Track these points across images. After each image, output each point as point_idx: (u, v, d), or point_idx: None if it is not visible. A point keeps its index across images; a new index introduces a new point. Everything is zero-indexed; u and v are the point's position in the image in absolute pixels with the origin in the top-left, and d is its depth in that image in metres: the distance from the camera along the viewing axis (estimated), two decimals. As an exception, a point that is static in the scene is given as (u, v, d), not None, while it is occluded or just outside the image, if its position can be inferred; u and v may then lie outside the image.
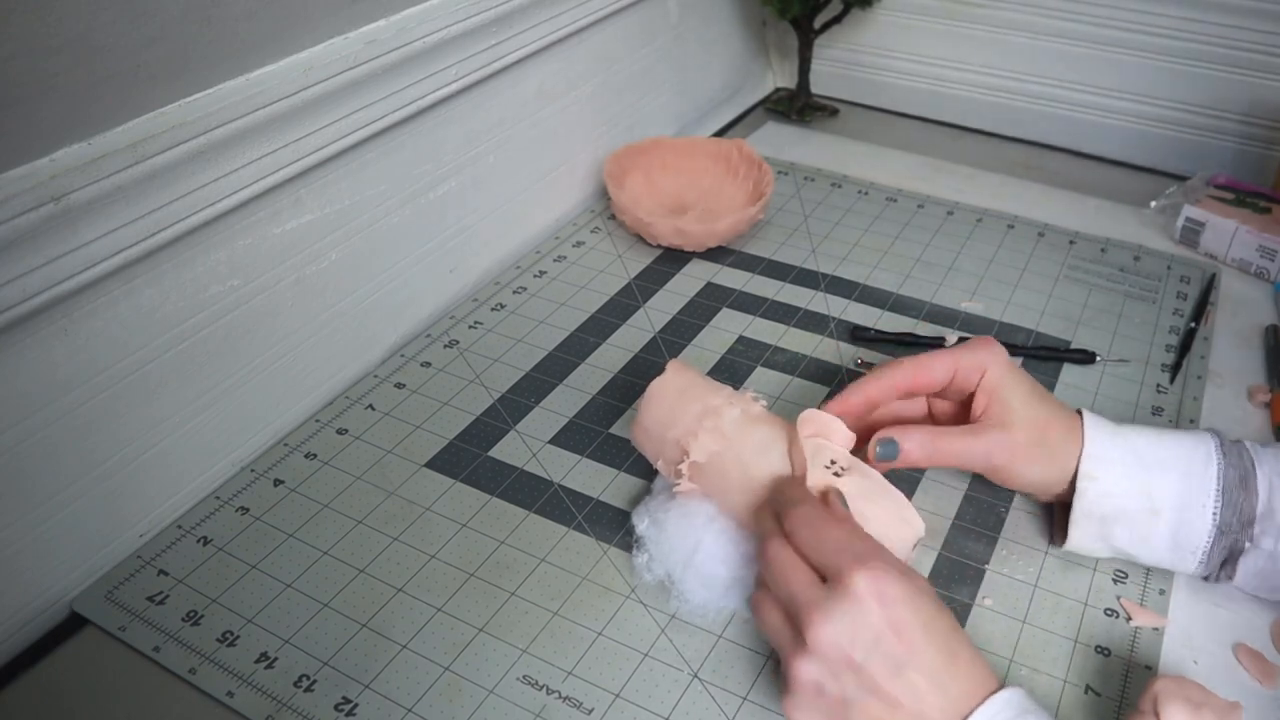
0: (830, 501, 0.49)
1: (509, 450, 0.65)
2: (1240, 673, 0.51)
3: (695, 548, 0.53)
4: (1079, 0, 0.96)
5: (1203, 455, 0.53)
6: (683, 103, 1.06)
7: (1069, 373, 0.71)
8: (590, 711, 0.49)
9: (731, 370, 0.72)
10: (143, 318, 0.57)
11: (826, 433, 0.54)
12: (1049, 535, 0.58)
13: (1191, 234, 0.85)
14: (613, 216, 0.90)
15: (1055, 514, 0.58)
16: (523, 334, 0.75)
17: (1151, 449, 0.54)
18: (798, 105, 1.09)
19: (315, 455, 0.65)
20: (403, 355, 0.73)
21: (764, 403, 0.56)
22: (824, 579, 0.44)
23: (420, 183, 0.74)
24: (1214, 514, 0.52)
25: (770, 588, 0.46)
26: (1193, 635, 0.53)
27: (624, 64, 0.94)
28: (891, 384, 0.55)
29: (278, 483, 0.63)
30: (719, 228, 0.82)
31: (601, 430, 0.66)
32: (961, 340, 0.72)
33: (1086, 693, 0.50)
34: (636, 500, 0.60)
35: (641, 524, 0.56)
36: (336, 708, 0.50)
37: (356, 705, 0.50)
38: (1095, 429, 0.54)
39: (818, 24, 1.04)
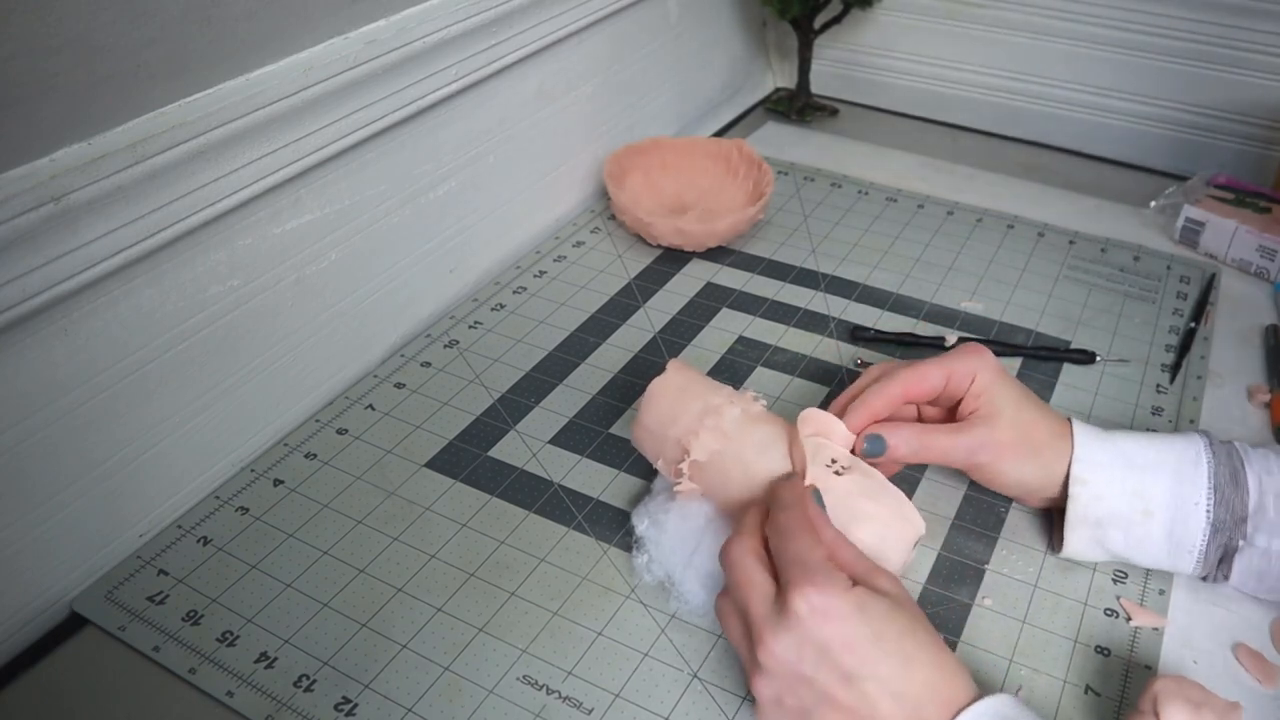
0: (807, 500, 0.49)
1: (509, 450, 0.65)
2: (1240, 673, 0.51)
3: (695, 548, 0.53)
4: (1079, 0, 0.96)
5: (1193, 455, 0.53)
6: (683, 103, 1.06)
7: (1069, 373, 0.71)
8: (590, 711, 0.49)
9: (731, 370, 0.72)
10: (142, 318, 0.57)
11: (827, 432, 0.54)
12: (1048, 541, 0.58)
13: (1191, 234, 0.85)
14: (613, 216, 0.90)
15: (1054, 521, 0.59)
16: (523, 334, 0.75)
17: (1141, 451, 0.54)
18: (798, 105, 1.09)
19: (315, 455, 0.65)
20: (403, 355, 0.73)
21: (764, 402, 0.56)
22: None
23: (420, 183, 0.74)
24: (1207, 511, 0.52)
25: (730, 594, 0.47)
26: (1192, 635, 0.53)
27: (624, 64, 0.94)
28: (890, 397, 0.55)
29: (278, 483, 0.63)
30: (719, 228, 0.82)
31: (601, 430, 0.66)
32: (962, 340, 0.72)
33: (1086, 693, 0.50)
34: (636, 500, 0.60)
35: (641, 524, 0.56)
36: (336, 708, 0.50)
37: (356, 705, 0.50)
38: (1084, 434, 0.55)
39: (818, 24, 1.04)
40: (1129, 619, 0.54)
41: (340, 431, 0.67)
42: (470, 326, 0.76)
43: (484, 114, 0.78)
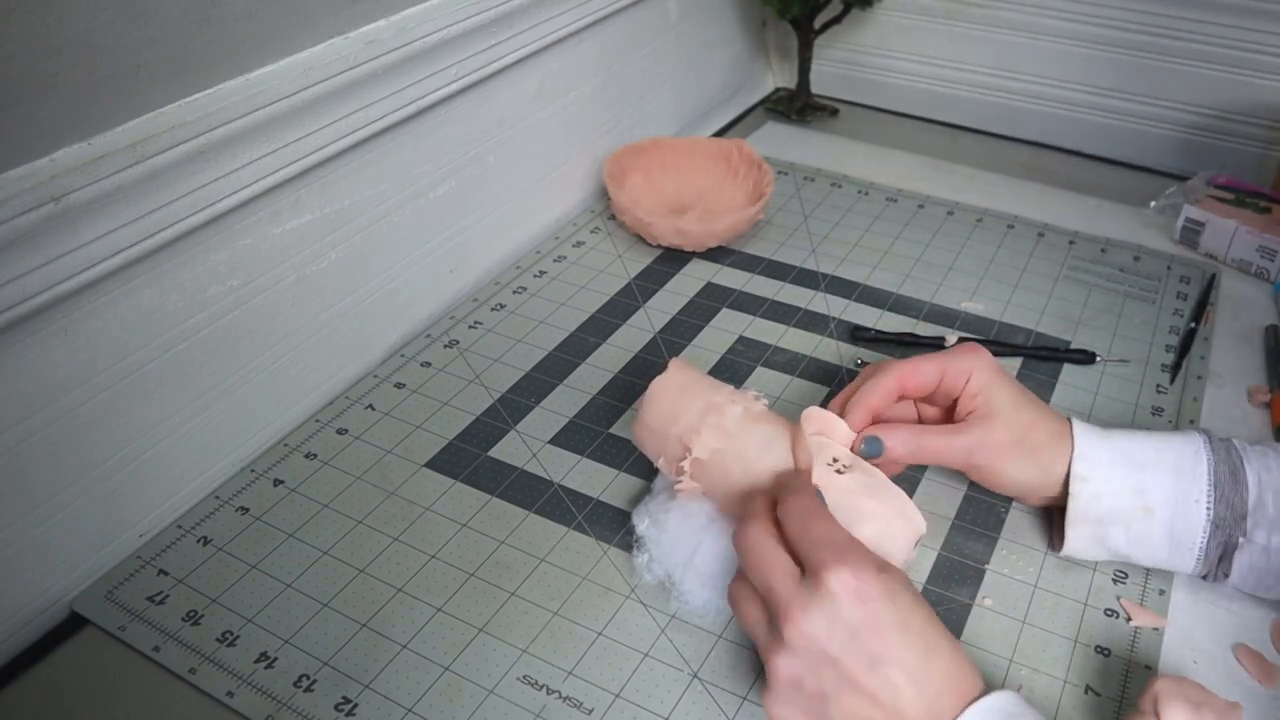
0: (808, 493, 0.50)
1: (509, 450, 0.65)
2: (1240, 673, 0.51)
3: (696, 548, 0.53)
4: (1079, 0, 0.96)
5: (1192, 452, 0.53)
6: (683, 103, 1.06)
7: (1069, 373, 0.71)
8: (590, 711, 0.49)
9: (731, 370, 0.72)
10: (142, 318, 0.57)
11: (829, 430, 0.54)
12: (1049, 540, 0.58)
13: (1191, 234, 0.85)
14: (613, 216, 0.90)
15: (1054, 520, 0.58)
16: (523, 334, 0.75)
17: (1140, 449, 0.54)
18: (798, 105, 1.09)
19: (315, 455, 0.65)
20: (403, 355, 0.73)
21: (766, 401, 0.56)
22: (803, 571, 0.44)
23: (420, 183, 0.74)
24: (1208, 508, 0.52)
25: (748, 576, 0.46)
26: (1193, 635, 0.53)
27: (624, 64, 0.94)
28: (886, 390, 0.55)
29: (278, 483, 0.63)
30: (719, 228, 0.82)
31: (601, 430, 0.66)
32: (962, 340, 0.72)
33: (1086, 693, 0.50)
34: (637, 500, 0.60)
35: (642, 524, 0.56)
36: (336, 708, 0.50)
37: (356, 705, 0.50)
38: (1084, 432, 0.55)
39: (818, 24, 1.04)
40: (1129, 619, 0.54)
41: (340, 431, 0.67)
42: (470, 326, 0.76)
43: (484, 114, 0.78)
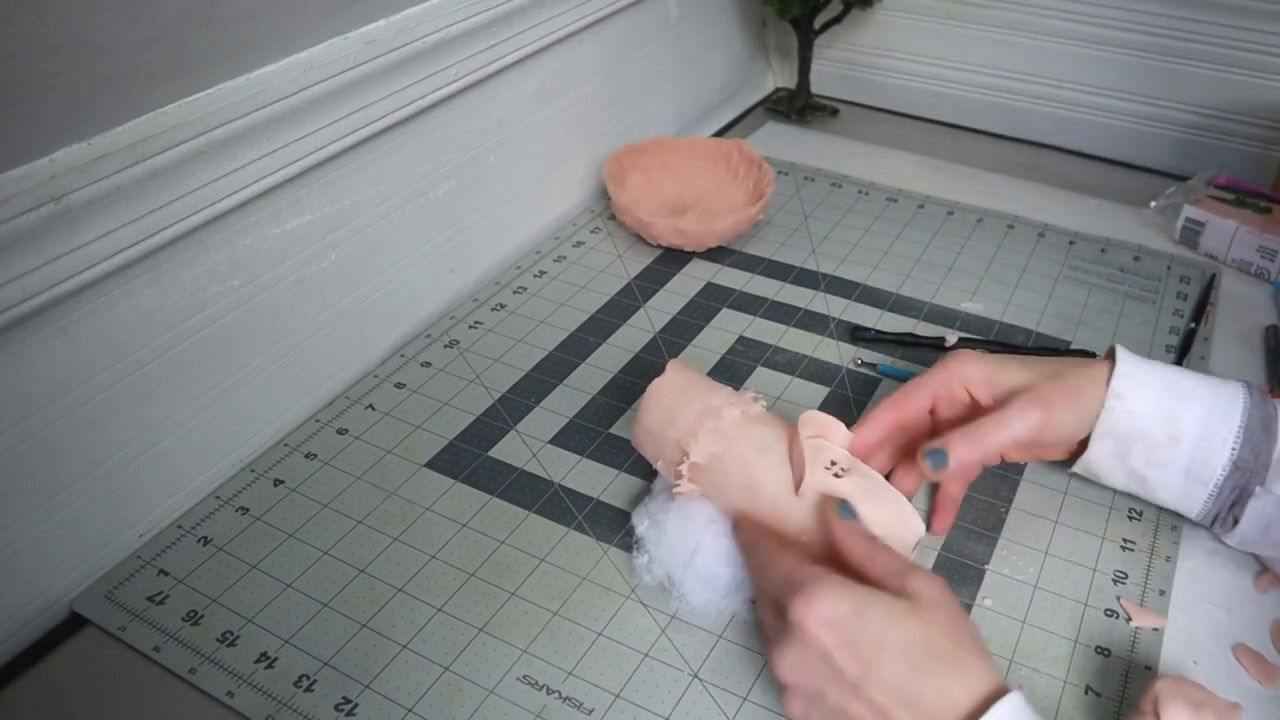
0: (830, 511, 0.50)
1: (509, 450, 0.65)
2: (1240, 673, 0.51)
3: (695, 549, 0.53)
4: (1079, 0, 0.96)
5: (1230, 393, 0.54)
6: (683, 103, 1.06)
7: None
8: (590, 711, 0.49)
9: (731, 370, 0.72)
10: (142, 318, 0.57)
11: (827, 433, 0.54)
12: (1067, 462, 0.58)
13: (1191, 234, 0.85)
14: (613, 216, 0.90)
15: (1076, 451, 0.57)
16: (523, 334, 0.75)
17: (1182, 381, 0.55)
18: (798, 105, 1.09)
19: (315, 455, 0.65)
20: (403, 355, 0.73)
21: (764, 403, 0.56)
22: None
23: (420, 183, 0.74)
24: (1233, 449, 0.52)
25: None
26: (1193, 636, 0.53)
27: (624, 64, 0.94)
28: (882, 421, 0.56)
29: (278, 483, 0.63)
30: (719, 228, 0.82)
31: (601, 430, 0.66)
32: (962, 340, 0.73)
33: (1086, 693, 0.50)
34: (637, 500, 0.60)
35: (641, 525, 0.56)
36: (336, 708, 0.50)
37: (356, 705, 0.50)
38: (1127, 354, 0.55)
39: (818, 24, 1.04)
40: (1129, 619, 0.54)
41: (340, 431, 0.67)
42: (470, 326, 0.76)
43: (484, 114, 0.78)
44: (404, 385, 0.71)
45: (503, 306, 0.79)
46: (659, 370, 0.58)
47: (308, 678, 0.51)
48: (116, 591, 0.56)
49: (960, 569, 0.57)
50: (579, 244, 0.87)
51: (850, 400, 0.69)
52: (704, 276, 0.82)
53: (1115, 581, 0.56)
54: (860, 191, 0.94)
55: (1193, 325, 0.75)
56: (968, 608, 0.54)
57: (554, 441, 0.66)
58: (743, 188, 0.90)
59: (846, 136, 1.07)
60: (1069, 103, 1.02)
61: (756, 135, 1.07)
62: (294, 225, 0.65)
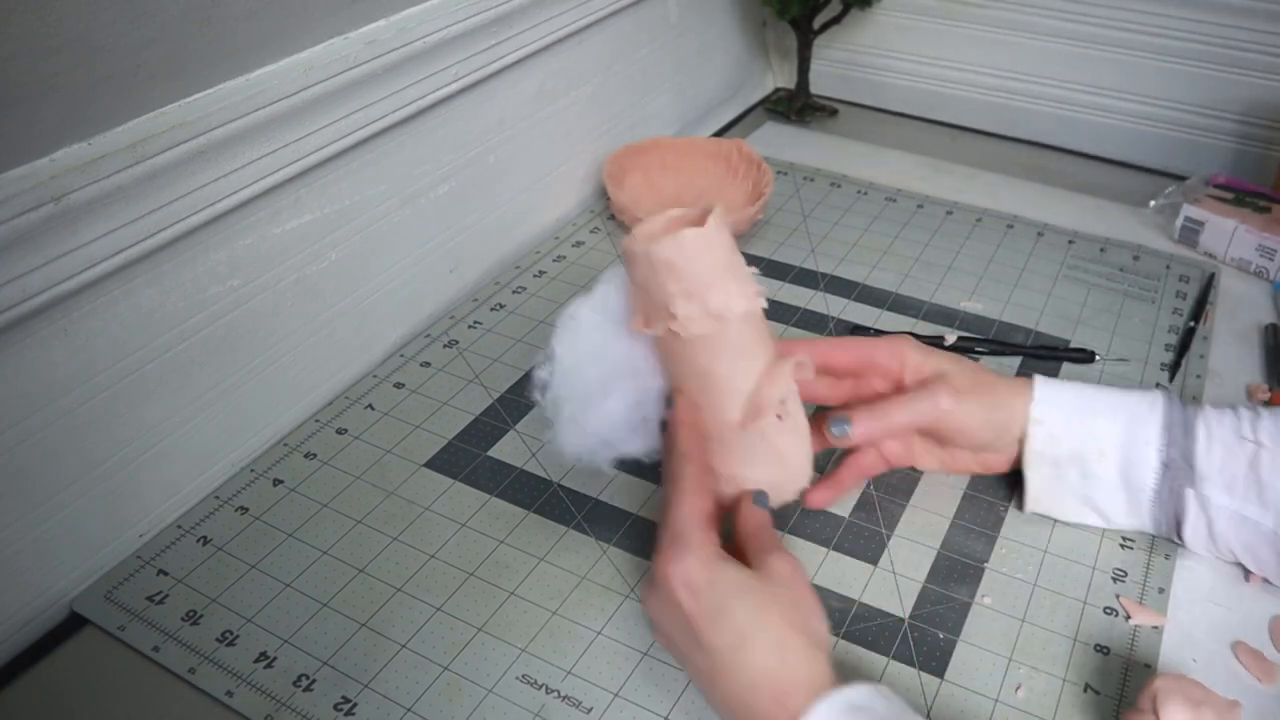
0: (745, 498, 0.51)
1: (508, 450, 0.65)
2: (1239, 671, 0.51)
3: (606, 396, 0.51)
4: (1079, 0, 0.96)
5: (1148, 401, 0.55)
6: (683, 103, 1.06)
7: (1068, 372, 0.71)
8: (590, 711, 0.49)
9: (731, 370, 0.72)
10: (142, 318, 0.57)
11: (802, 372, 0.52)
12: (1016, 501, 0.60)
13: (1191, 233, 0.85)
14: (612, 216, 0.90)
15: (1021, 484, 0.59)
16: (523, 334, 0.75)
17: (1099, 395, 0.56)
18: (797, 105, 1.09)
19: (315, 455, 0.65)
20: (402, 355, 0.74)
21: (765, 301, 0.51)
22: None
23: (420, 183, 0.74)
24: (1159, 450, 0.54)
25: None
26: (1192, 634, 0.53)
27: (624, 64, 0.94)
28: (814, 352, 0.57)
29: (277, 482, 0.63)
30: (719, 228, 0.82)
31: (601, 430, 0.66)
32: (962, 340, 0.73)
33: (1086, 691, 0.50)
34: (636, 500, 0.60)
35: (563, 343, 0.52)
36: (336, 707, 0.50)
37: (356, 705, 0.50)
38: (1044, 382, 0.57)
39: (817, 24, 1.04)
40: (1128, 617, 0.54)
41: (340, 431, 0.67)
42: (470, 326, 0.76)
43: (484, 114, 0.78)
44: (403, 385, 0.71)
45: (502, 306, 0.79)
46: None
47: (307, 677, 0.51)
48: (116, 591, 0.56)
49: (960, 568, 0.57)
50: (579, 244, 0.87)
51: (850, 400, 0.69)
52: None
53: (1114, 579, 0.56)
54: (859, 191, 0.94)
55: (1192, 324, 0.75)
56: (967, 606, 0.54)
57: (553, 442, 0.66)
58: (742, 188, 0.90)
59: (846, 136, 1.07)
60: (1069, 103, 1.02)
61: (756, 135, 1.07)
62: (294, 225, 0.65)
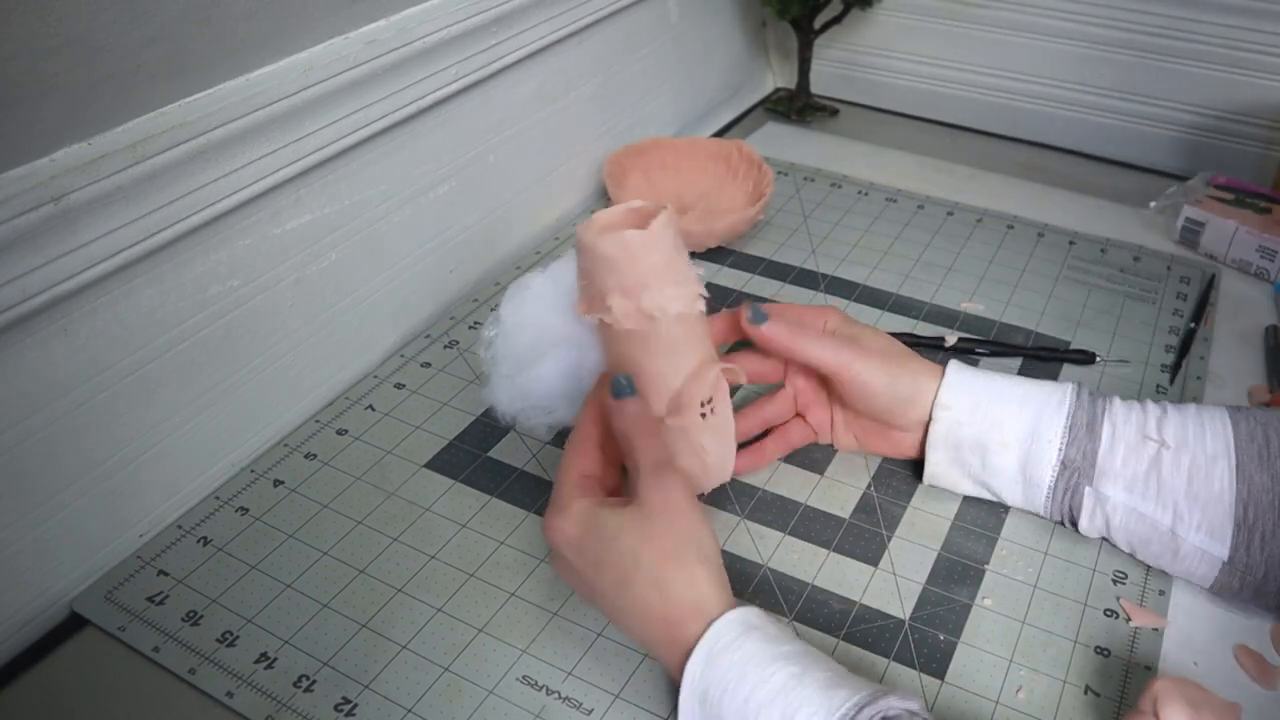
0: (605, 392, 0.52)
1: (509, 451, 0.65)
2: (1240, 674, 0.51)
3: (540, 358, 0.54)
4: (1079, 0, 0.96)
5: (1057, 398, 0.56)
6: (683, 103, 1.06)
7: (1069, 373, 0.71)
8: (590, 712, 0.49)
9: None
10: (143, 318, 0.57)
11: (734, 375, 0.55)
12: (918, 476, 0.61)
13: (1191, 234, 0.85)
14: (612, 216, 0.90)
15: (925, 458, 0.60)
16: (523, 334, 0.75)
17: (1010, 388, 0.57)
18: (798, 105, 1.09)
19: (315, 456, 0.65)
20: (403, 356, 0.73)
21: (703, 303, 0.53)
22: None
23: (420, 183, 0.74)
24: (1059, 449, 0.54)
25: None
26: (1192, 636, 0.53)
27: (624, 64, 0.94)
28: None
29: (278, 483, 0.63)
30: (719, 228, 0.82)
31: (601, 430, 0.66)
32: (962, 340, 0.73)
33: (1086, 693, 0.50)
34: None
35: (509, 305, 0.56)
36: (336, 708, 0.50)
37: (356, 705, 0.50)
38: (958, 368, 0.58)
39: (818, 24, 1.04)
40: (1129, 619, 0.54)
41: (340, 432, 0.67)
42: (470, 327, 0.76)
43: (484, 114, 0.78)
44: (404, 385, 0.71)
45: (503, 306, 0.79)
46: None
47: (307, 678, 0.51)
48: (116, 592, 0.56)
49: (960, 569, 0.57)
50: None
51: (850, 400, 0.69)
52: (704, 277, 0.82)
53: (1115, 581, 0.56)
54: (860, 192, 0.94)
55: (1192, 325, 0.75)
56: (967, 608, 0.54)
57: (554, 442, 0.66)
58: (742, 188, 0.90)
59: (846, 137, 1.07)
60: (1069, 103, 1.02)
61: (756, 135, 1.07)
62: (294, 225, 0.65)
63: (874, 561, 0.57)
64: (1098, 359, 0.72)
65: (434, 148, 0.74)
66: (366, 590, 0.56)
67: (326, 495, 0.62)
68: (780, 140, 1.06)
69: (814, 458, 0.64)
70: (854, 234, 0.88)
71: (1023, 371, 0.71)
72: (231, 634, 0.53)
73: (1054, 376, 0.71)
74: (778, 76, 1.21)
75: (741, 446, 0.59)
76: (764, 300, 0.79)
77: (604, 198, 0.92)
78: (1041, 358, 0.72)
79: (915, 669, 0.51)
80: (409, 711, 0.50)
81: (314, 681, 0.51)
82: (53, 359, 0.53)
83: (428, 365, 0.72)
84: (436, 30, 0.68)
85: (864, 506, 0.61)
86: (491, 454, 0.65)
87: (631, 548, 0.46)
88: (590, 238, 0.50)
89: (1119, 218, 0.90)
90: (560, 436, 0.65)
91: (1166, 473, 0.52)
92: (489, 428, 0.67)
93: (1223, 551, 0.51)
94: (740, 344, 0.60)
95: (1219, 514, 0.51)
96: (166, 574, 0.57)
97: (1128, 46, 0.96)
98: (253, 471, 0.64)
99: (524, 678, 0.51)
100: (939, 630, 0.53)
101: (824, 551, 0.58)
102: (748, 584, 0.56)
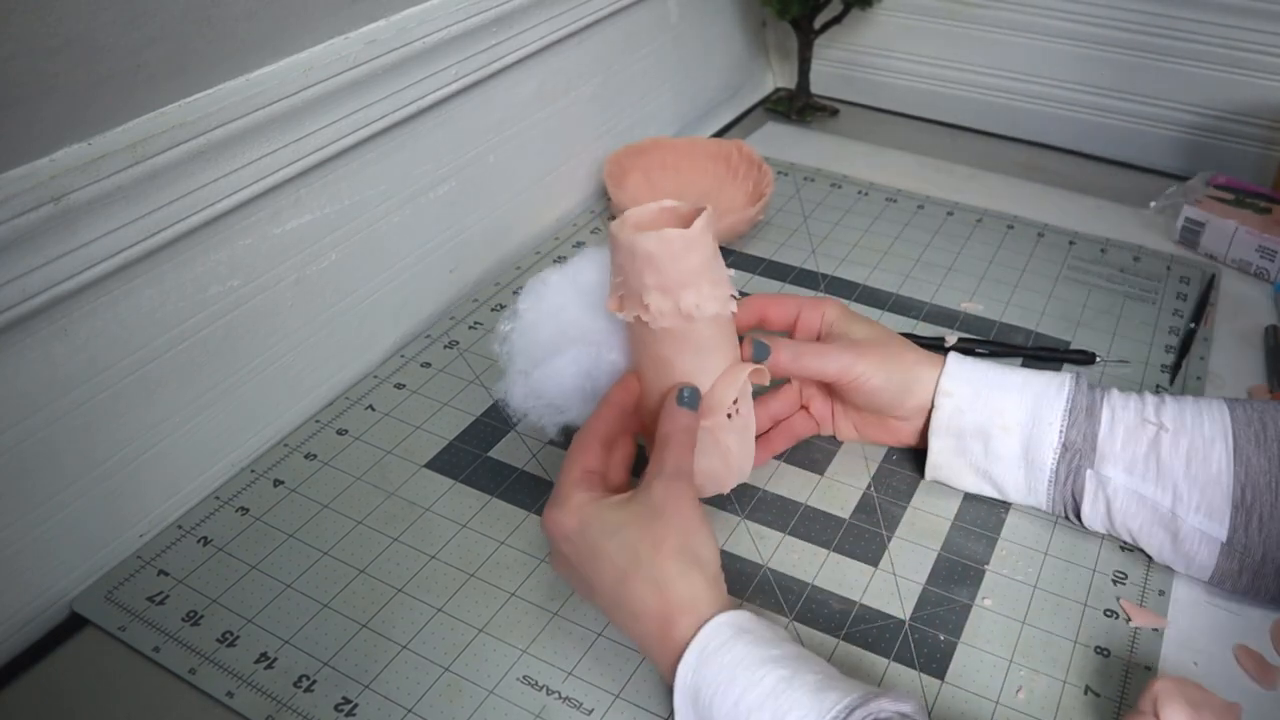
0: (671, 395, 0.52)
1: (509, 451, 0.65)
2: (1240, 674, 0.51)
3: (555, 353, 0.54)
4: (1079, 0, 0.96)
5: (1056, 384, 0.56)
6: (683, 103, 1.06)
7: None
8: (591, 712, 0.49)
9: (731, 370, 0.72)
10: (143, 318, 0.57)
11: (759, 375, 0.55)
12: (920, 472, 0.62)
13: (1191, 234, 0.85)
14: (612, 217, 0.90)
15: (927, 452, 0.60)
16: (523, 334, 0.75)
17: (1009, 377, 0.57)
18: (798, 105, 1.09)
19: (315, 456, 0.65)
20: (403, 356, 0.73)
21: (735, 304, 0.53)
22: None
23: (420, 183, 0.74)
24: (1061, 431, 0.55)
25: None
26: (1192, 636, 0.53)
27: (624, 64, 0.94)
28: (751, 308, 0.60)
29: (278, 483, 0.63)
30: (719, 228, 0.82)
31: (601, 430, 0.66)
32: (962, 341, 0.73)
33: (1086, 693, 0.50)
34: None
35: (527, 300, 0.56)
36: (336, 708, 0.50)
37: (356, 705, 0.50)
38: (957, 356, 0.59)
39: (818, 24, 1.04)
40: (1129, 620, 0.54)
41: (340, 432, 0.67)
42: (470, 327, 0.76)
43: (484, 114, 0.78)
44: (404, 386, 0.71)
45: (503, 307, 0.79)
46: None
47: (308, 678, 0.51)
48: (116, 592, 0.56)
49: (960, 569, 0.57)
50: (579, 244, 0.87)
51: (850, 400, 0.69)
52: (734, 278, 0.82)
53: (1115, 582, 0.56)
54: (860, 192, 0.94)
55: (1193, 325, 0.75)
56: (967, 608, 0.54)
57: (554, 442, 0.66)
58: (742, 188, 0.90)
59: (846, 137, 1.07)
60: (1069, 103, 1.02)
61: (756, 135, 1.07)
62: (294, 225, 0.65)
63: (874, 562, 0.57)
64: (1098, 359, 0.72)
65: (434, 148, 0.74)
66: (367, 590, 0.56)
67: (327, 495, 0.62)
68: (780, 140, 1.06)
69: (814, 458, 0.64)
70: (854, 234, 0.88)
71: (1023, 371, 0.71)
72: (232, 634, 0.53)
73: (1054, 376, 0.71)
74: (778, 76, 1.21)
75: None
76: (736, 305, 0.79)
77: (604, 198, 0.92)
78: (1041, 358, 0.72)
79: (915, 669, 0.51)
80: (409, 711, 0.50)
81: (314, 681, 0.51)
82: (53, 359, 0.53)
83: (428, 365, 0.72)
84: (436, 30, 0.68)
85: (864, 506, 0.61)
86: (492, 454, 0.65)
87: (632, 543, 0.46)
88: (628, 235, 0.49)
89: (1119, 218, 0.90)
90: (567, 437, 0.65)
91: (1165, 454, 0.53)
92: (489, 428, 0.67)
93: (1221, 533, 0.52)
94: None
95: (1217, 495, 0.52)
96: (167, 574, 0.57)
97: (1128, 46, 0.96)
98: (253, 471, 0.64)
99: (524, 678, 0.51)
100: (939, 630, 0.53)
101: (824, 551, 0.58)
102: (748, 584, 0.56)
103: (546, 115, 0.85)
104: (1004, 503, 0.61)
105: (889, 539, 0.58)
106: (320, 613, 0.54)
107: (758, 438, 0.61)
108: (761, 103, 1.15)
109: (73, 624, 0.55)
